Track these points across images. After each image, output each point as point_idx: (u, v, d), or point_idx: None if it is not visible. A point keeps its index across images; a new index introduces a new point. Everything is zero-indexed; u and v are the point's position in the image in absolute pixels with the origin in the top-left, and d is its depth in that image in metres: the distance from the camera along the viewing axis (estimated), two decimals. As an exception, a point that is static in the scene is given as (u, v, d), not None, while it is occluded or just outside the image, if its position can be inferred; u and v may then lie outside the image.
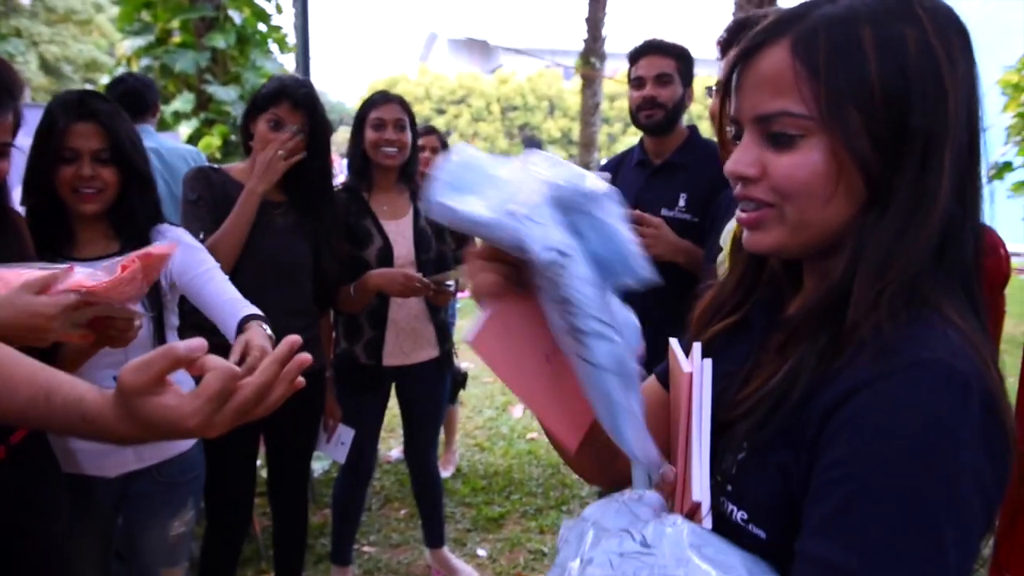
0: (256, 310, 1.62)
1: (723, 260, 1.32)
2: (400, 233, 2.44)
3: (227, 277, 1.72)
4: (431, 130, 3.58)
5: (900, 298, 0.63)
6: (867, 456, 0.58)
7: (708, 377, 0.70)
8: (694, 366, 0.71)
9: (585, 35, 12.09)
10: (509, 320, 0.71)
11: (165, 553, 1.81)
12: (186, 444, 1.81)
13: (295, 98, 2.07)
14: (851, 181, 0.66)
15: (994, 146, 3.87)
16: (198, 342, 0.72)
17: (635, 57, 2.29)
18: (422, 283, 2.29)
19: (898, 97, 0.64)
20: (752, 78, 0.69)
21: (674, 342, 0.79)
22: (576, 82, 23.45)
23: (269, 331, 1.52)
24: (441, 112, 39.05)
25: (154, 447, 1.72)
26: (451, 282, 2.40)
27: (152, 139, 3.01)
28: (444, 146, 3.50)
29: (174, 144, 3.19)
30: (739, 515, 0.68)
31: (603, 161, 3.06)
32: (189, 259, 1.68)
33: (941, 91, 0.64)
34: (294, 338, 0.78)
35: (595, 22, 12.03)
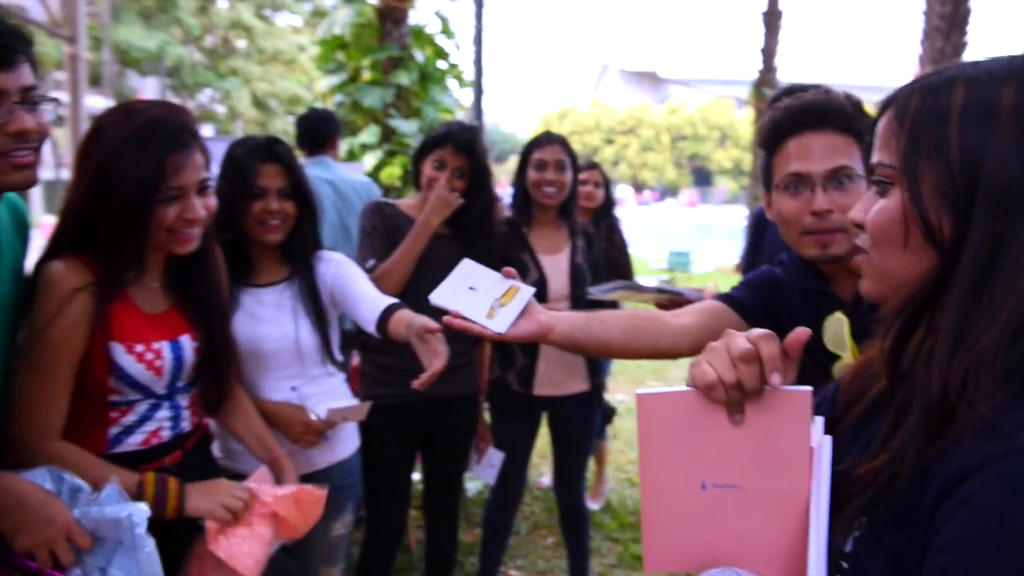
0: (396, 300, 1.72)
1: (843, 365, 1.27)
2: (556, 268, 2.51)
3: (370, 282, 1.87)
4: (593, 165, 3.67)
5: (988, 372, 0.60)
6: (980, 540, 0.56)
7: (828, 456, 0.69)
8: (816, 440, 0.69)
9: (759, 65, 11.77)
10: (699, 418, 0.69)
11: (325, 552, 1.96)
12: (348, 451, 1.96)
13: (458, 143, 2.24)
14: (918, 234, 0.67)
15: None
16: None
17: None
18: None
19: (975, 158, 0.64)
20: (876, 136, 0.75)
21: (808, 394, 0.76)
22: (747, 111, 22.76)
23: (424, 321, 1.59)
24: (610, 142, 39.28)
25: (324, 452, 1.88)
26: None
27: (329, 171, 3.30)
28: (606, 181, 3.60)
29: (348, 176, 3.45)
30: None
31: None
32: (340, 270, 1.88)
33: None
34: None
35: (769, 52, 11.70)
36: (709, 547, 0.71)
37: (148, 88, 25.46)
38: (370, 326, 1.68)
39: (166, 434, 1.49)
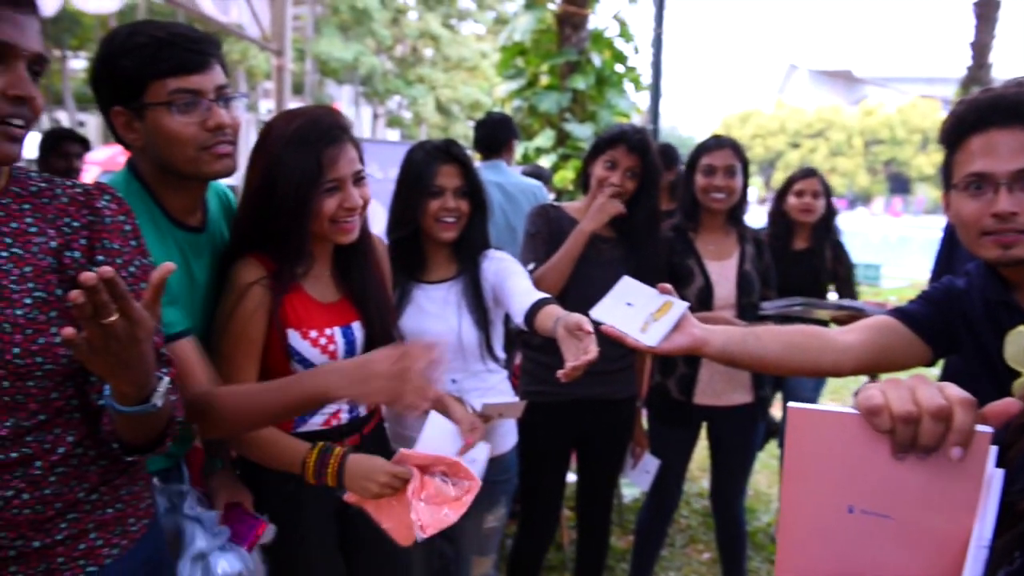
0: (548, 295, 1.71)
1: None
2: (723, 275, 2.44)
3: (528, 278, 1.90)
4: (810, 172, 3.26)
5: None
6: None
7: (997, 491, 0.62)
8: (987, 474, 0.63)
9: (968, 61, 10.68)
10: (856, 443, 0.65)
11: (478, 542, 2.04)
12: (506, 447, 2.02)
13: (631, 143, 2.22)
14: None
15: None
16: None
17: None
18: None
19: None
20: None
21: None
22: (959, 114, 20.64)
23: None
24: (795, 146, 37.30)
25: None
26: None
27: (500, 174, 3.41)
28: (826, 191, 3.20)
29: (518, 179, 3.54)
30: None
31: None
32: (502, 267, 1.94)
33: None
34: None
35: (981, 47, 10.57)
36: (847, 573, 0.67)
37: (344, 96, 27.48)
38: (519, 318, 1.71)
39: (344, 416, 1.61)
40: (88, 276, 0.81)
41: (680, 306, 1.31)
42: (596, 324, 1.34)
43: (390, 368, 1.19)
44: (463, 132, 26.06)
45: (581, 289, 2.23)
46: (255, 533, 1.49)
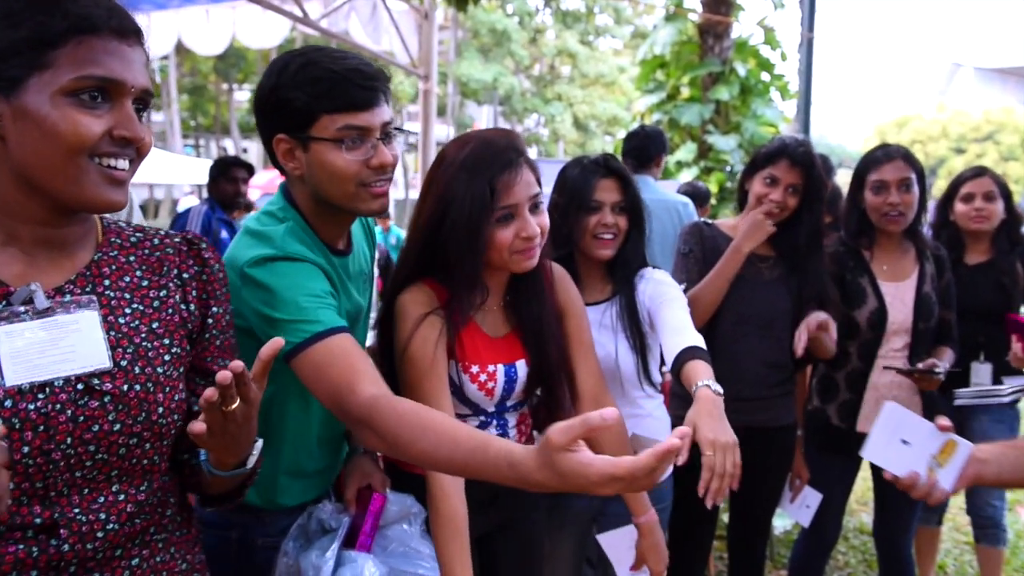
0: (698, 341, 1.59)
1: None
2: (899, 297, 2.25)
3: (685, 306, 1.77)
4: (981, 172, 2.74)
5: None
6: None
7: None
8: None
9: None
10: None
11: None
12: (663, 474, 1.93)
13: (794, 156, 2.08)
14: None
15: None
16: (611, 413, 0.83)
17: None
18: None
19: None
20: None
21: None
22: None
23: (717, 387, 1.45)
24: (960, 152, 34.47)
25: None
26: (940, 368, 2.12)
27: (646, 189, 3.33)
28: (1004, 192, 2.68)
29: (664, 195, 3.46)
30: None
31: None
32: (658, 290, 1.83)
33: None
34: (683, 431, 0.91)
35: None
36: None
37: (483, 116, 28.20)
38: (668, 362, 1.62)
39: None
40: (224, 376, 0.80)
41: (965, 448, 1.22)
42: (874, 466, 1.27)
43: (604, 484, 0.88)
44: (600, 148, 25.99)
45: (738, 310, 2.12)
46: (372, 509, 1.41)
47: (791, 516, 2.42)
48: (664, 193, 3.52)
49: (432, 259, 1.43)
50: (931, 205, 2.40)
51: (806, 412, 2.42)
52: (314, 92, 1.24)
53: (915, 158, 2.25)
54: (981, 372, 2.49)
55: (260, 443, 1.00)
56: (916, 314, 2.23)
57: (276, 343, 0.87)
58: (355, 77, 1.24)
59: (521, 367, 1.53)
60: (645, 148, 3.49)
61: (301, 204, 1.35)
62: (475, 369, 1.48)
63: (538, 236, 1.40)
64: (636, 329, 1.84)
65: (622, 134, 6.69)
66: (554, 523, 1.88)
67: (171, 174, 15.84)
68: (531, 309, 1.52)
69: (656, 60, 6.84)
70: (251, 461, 0.99)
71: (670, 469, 1.98)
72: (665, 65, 6.83)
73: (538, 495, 1.67)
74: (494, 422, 1.55)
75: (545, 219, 1.43)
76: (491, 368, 1.49)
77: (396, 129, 1.33)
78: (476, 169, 1.36)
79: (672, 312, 1.73)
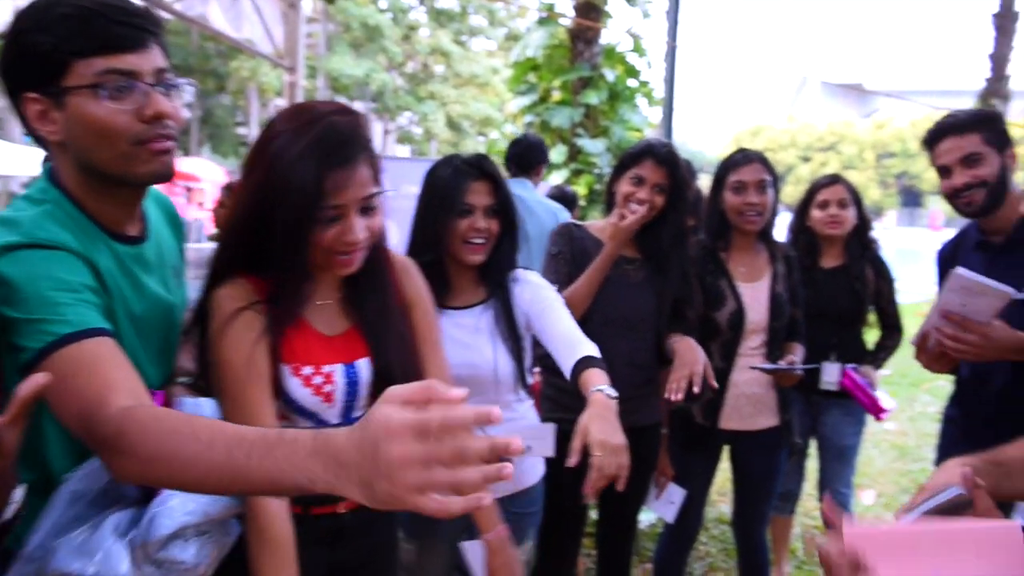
0: (593, 350, 1.63)
1: None
2: (755, 297, 2.35)
3: (567, 310, 1.79)
4: (834, 180, 2.87)
5: None
6: None
7: None
8: None
9: (987, 73, 10.62)
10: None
11: None
12: (535, 478, 1.92)
13: (659, 156, 2.12)
14: None
15: None
16: (460, 393, 0.68)
17: (931, 143, 1.98)
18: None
19: None
20: None
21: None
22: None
23: (611, 391, 1.48)
24: (806, 160, 37.21)
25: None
26: (798, 366, 2.24)
27: (525, 189, 3.41)
28: (856, 199, 2.84)
29: (541, 199, 3.56)
30: None
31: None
32: (537, 295, 1.81)
33: None
34: (490, 411, 0.68)
35: (1000, 59, 10.50)
36: None
37: (356, 111, 27.58)
38: (566, 372, 1.61)
39: None
40: None
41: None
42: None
43: (410, 453, 0.67)
44: (473, 148, 26.11)
45: (605, 312, 2.15)
46: None
47: (656, 513, 2.48)
48: (542, 198, 3.60)
49: (253, 250, 1.23)
50: (781, 210, 2.54)
51: (671, 411, 2.49)
52: (63, 32, 1.02)
53: (771, 163, 2.36)
54: (831, 371, 2.65)
55: (21, 491, 0.86)
56: (771, 313, 2.34)
57: (36, 381, 0.73)
58: (112, 12, 1.04)
59: (364, 366, 1.34)
60: (527, 156, 3.60)
61: (67, 180, 1.11)
62: (307, 371, 1.29)
63: (359, 243, 1.23)
64: (514, 333, 1.81)
65: (495, 135, 6.69)
66: (424, 542, 1.82)
67: (9, 165, 14.49)
68: (373, 302, 1.35)
69: (528, 62, 6.90)
70: (8, 512, 0.85)
71: (541, 473, 1.97)
72: (537, 68, 6.91)
73: (396, 526, 1.53)
74: None
75: (377, 221, 1.26)
76: (327, 369, 1.30)
77: (176, 82, 1.11)
78: (307, 159, 1.16)
79: (558, 319, 1.73)
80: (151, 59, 1.07)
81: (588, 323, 2.01)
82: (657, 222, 2.16)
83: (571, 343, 1.66)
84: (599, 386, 1.48)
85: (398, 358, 1.36)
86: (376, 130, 30.14)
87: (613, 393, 1.47)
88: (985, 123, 1.93)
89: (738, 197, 2.30)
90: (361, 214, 1.22)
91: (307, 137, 1.16)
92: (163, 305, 1.22)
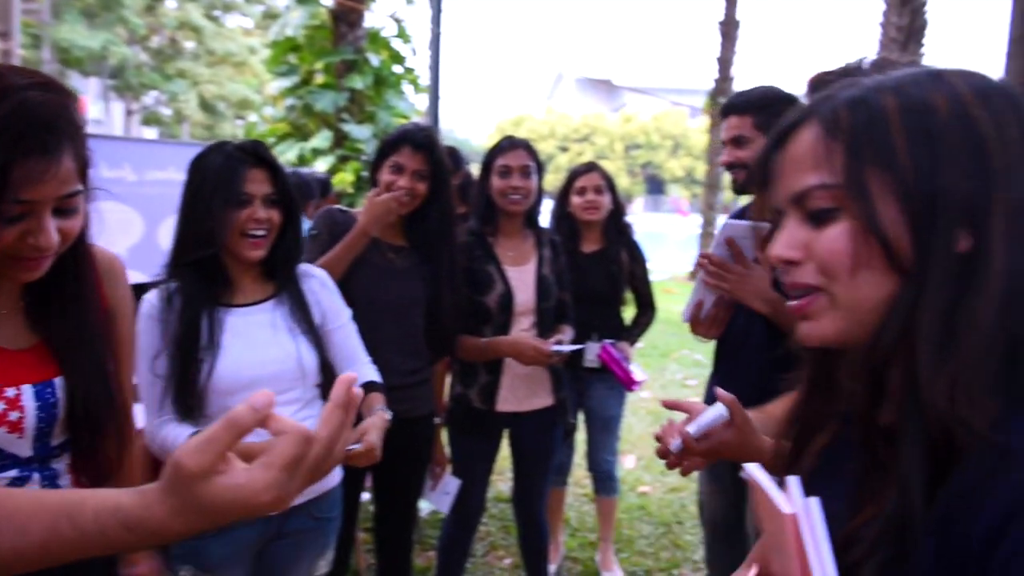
0: (375, 376, 1.77)
1: None
2: (522, 280, 2.41)
3: (356, 329, 1.83)
4: (591, 167, 2.98)
5: (977, 385, 0.57)
6: None
7: (818, 523, 0.58)
8: (796, 507, 0.58)
9: (715, 74, 11.95)
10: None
11: None
12: (335, 480, 1.80)
13: (415, 141, 2.11)
14: (881, 252, 0.61)
15: None
16: (264, 398, 0.60)
17: (723, 117, 2.12)
18: (554, 355, 2.26)
19: (927, 160, 0.60)
20: (787, 161, 0.68)
21: (755, 470, 0.65)
22: (701, 120, 23.14)
23: (387, 413, 1.66)
24: (564, 150, 39.51)
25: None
26: (565, 346, 2.33)
27: None
28: (611, 185, 2.99)
29: None
30: None
31: (728, 202, 2.91)
32: (333, 305, 1.79)
33: (981, 152, 0.60)
34: (350, 376, 0.66)
35: (725, 61, 11.87)
36: None
37: (90, 89, 24.71)
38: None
39: None
40: None
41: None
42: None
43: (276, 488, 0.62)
44: (231, 131, 24.49)
45: (373, 299, 2.10)
46: None
47: (432, 504, 2.47)
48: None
49: None
50: (544, 197, 2.65)
51: (451, 398, 2.49)
52: None
53: (535, 150, 2.46)
54: (592, 349, 2.82)
55: None
56: (538, 296, 2.42)
57: None
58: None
59: (59, 386, 1.15)
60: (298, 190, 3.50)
61: None
62: None
63: (49, 249, 1.02)
64: (312, 326, 1.71)
65: (254, 117, 6.33)
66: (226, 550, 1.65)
67: None
68: (68, 311, 1.16)
69: (288, 42, 6.58)
70: None
71: (338, 477, 1.85)
72: (298, 48, 6.60)
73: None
74: (35, 475, 1.14)
75: (74, 223, 1.06)
76: (11, 392, 1.09)
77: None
78: None
79: (346, 339, 1.80)
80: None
81: (354, 307, 1.95)
82: (421, 209, 2.14)
83: (359, 364, 1.79)
84: (380, 406, 1.68)
85: (98, 373, 1.18)
86: (116, 110, 27.20)
87: (388, 415, 1.67)
88: (763, 108, 1.97)
89: (503, 181, 2.36)
90: (56, 215, 1.02)
91: None
92: None
